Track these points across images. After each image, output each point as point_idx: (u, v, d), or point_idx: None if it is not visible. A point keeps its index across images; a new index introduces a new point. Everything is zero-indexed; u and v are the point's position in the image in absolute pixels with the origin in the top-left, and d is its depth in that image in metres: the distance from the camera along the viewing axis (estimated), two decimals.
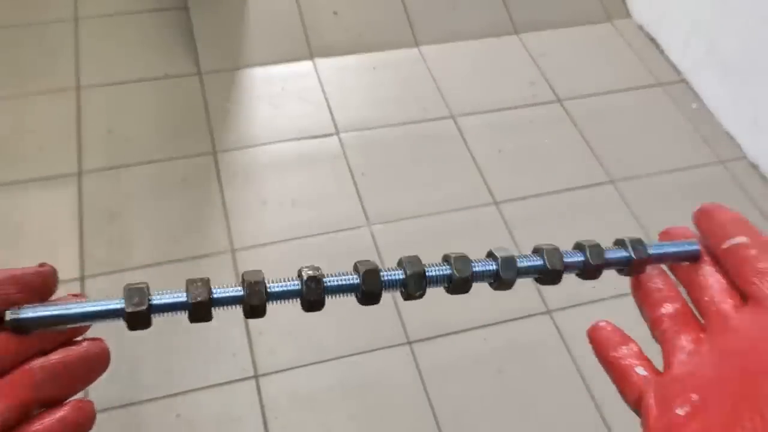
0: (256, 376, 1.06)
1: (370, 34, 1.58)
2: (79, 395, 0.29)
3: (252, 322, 1.11)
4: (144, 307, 0.28)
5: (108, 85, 1.43)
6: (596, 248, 0.34)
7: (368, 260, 0.31)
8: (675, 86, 1.57)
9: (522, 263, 0.32)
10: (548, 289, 1.19)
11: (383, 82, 1.50)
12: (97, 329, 0.29)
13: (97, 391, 1.03)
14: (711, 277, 0.32)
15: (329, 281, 0.32)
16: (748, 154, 1.44)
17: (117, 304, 0.28)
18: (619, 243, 0.36)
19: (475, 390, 1.08)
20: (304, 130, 1.39)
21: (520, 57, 1.59)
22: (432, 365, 1.10)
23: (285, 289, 0.32)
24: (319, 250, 1.21)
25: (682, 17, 1.58)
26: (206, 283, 0.30)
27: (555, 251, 0.33)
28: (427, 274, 0.30)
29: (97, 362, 0.29)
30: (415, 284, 0.30)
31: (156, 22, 1.55)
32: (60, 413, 0.27)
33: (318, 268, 0.32)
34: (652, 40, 1.65)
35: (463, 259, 0.31)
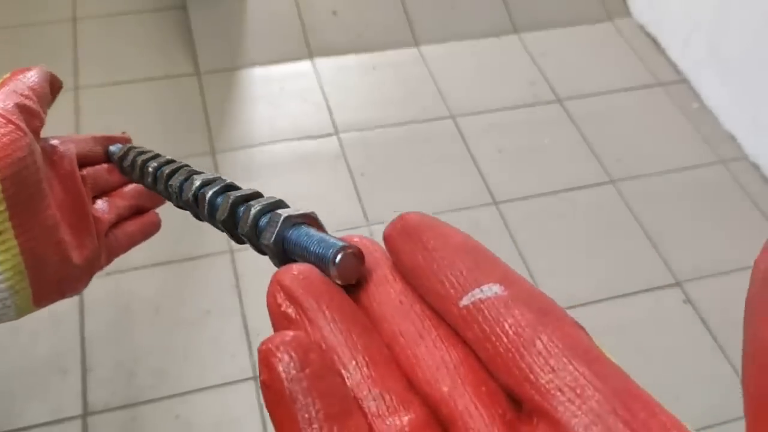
0: (255, 377, 1.06)
1: (370, 33, 1.58)
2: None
3: (251, 322, 1.11)
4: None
5: (106, 85, 1.43)
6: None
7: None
8: (675, 86, 1.56)
9: None
10: (548, 290, 1.18)
11: (383, 82, 1.50)
12: None
13: (97, 392, 1.03)
14: (455, 351, 0.17)
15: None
16: (748, 154, 1.44)
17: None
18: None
19: None
20: (304, 130, 1.39)
21: (520, 57, 1.59)
22: None
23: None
24: None
25: (683, 17, 1.58)
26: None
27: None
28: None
29: (157, 197, 0.47)
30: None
31: (154, 22, 1.54)
32: (145, 216, 0.48)
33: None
34: (653, 39, 1.65)
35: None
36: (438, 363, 0.17)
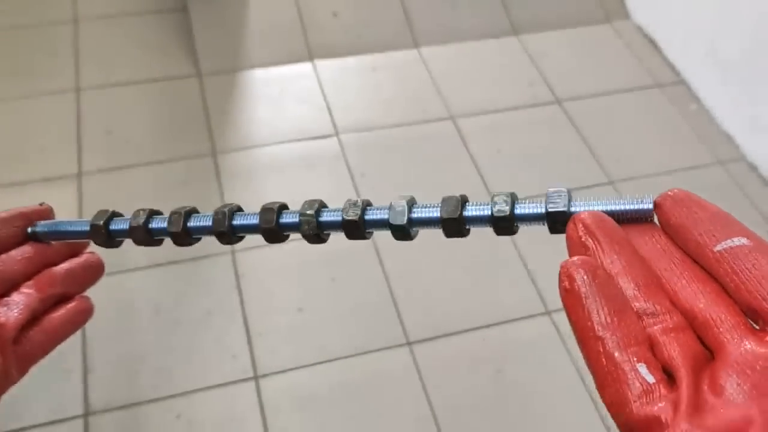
0: (256, 377, 1.07)
1: (370, 35, 1.59)
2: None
3: (252, 322, 1.12)
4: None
5: (108, 87, 1.43)
6: (502, 201, 0.31)
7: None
8: (674, 87, 1.57)
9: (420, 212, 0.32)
10: (548, 290, 1.19)
11: (383, 83, 1.51)
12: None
13: (98, 392, 1.04)
14: (707, 285, 0.24)
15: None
16: (747, 155, 1.44)
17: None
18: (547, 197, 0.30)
19: (475, 390, 1.08)
20: (304, 131, 1.40)
21: (519, 58, 1.59)
22: (431, 365, 1.10)
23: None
24: (319, 249, 1.21)
25: (681, 18, 1.59)
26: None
27: (455, 200, 0.32)
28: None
29: (96, 268, 0.39)
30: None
31: (155, 23, 1.55)
32: (71, 304, 0.37)
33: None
34: (651, 41, 1.65)
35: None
36: (695, 290, 0.24)
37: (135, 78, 1.45)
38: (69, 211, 1.22)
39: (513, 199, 0.30)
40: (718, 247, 0.24)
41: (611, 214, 0.27)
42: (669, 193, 0.26)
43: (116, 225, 0.35)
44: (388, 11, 1.63)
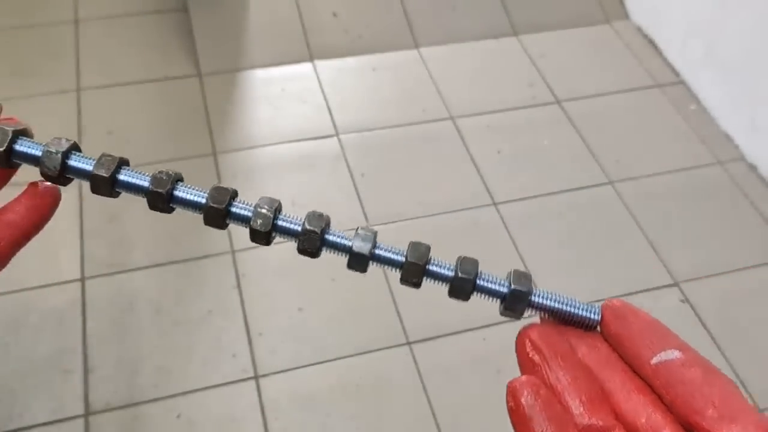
0: (256, 377, 1.07)
1: (370, 35, 1.59)
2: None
3: (252, 322, 1.12)
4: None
5: (108, 87, 1.43)
6: (469, 265, 0.30)
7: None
8: (673, 87, 1.57)
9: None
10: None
11: (383, 84, 1.51)
12: None
13: (98, 391, 1.04)
14: (647, 395, 0.25)
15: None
16: (746, 155, 1.45)
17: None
18: (507, 276, 0.30)
19: (475, 390, 1.09)
20: (304, 131, 1.40)
21: (519, 58, 1.60)
22: (431, 365, 1.10)
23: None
24: None
25: (680, 18, 1.59)
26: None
27: (421, 256, 0.30)
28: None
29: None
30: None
31: (156, 24, 1.55)
32: (29, 190, 0.33)
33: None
34: (651, 41, 1.66)
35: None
36: (637, 403, 0.25)
37: (135, 78, 1.45)
38: (70, 210, 1.22)
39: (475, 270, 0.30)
40: (654, 360, 0.25)
41: (561, 312, 0.29)
42: (609, 303, 0.28)
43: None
44: (388, 11, 1.63)
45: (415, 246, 0.30)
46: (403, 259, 0.30)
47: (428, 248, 0.30)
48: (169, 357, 1.08)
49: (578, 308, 0.28)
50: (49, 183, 0.33)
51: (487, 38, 1.62)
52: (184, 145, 1.35)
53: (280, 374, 1.07)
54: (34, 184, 0.33)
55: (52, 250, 1.18)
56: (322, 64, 1.52)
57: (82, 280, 1.14)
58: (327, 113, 1.43)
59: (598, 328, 0.28)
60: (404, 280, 0.30)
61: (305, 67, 1.51)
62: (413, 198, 1.30)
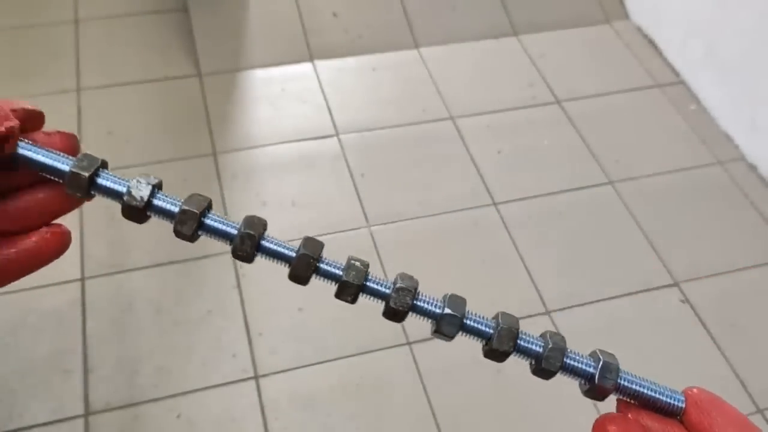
0: (256, 377, 1.07)
1: (370, 35, 1.59)
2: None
3: (252, 322, 1.12)
4: (87, 174, 0.31)
5: (108, 87, 1.43)
6: (558, 348, 0.31)
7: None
8: (673, 87, 1.57)
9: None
10: (547, 290, 1.19)
11: (383, 84, 1.51)
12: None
13: (98, 391, 1.04)
14: None
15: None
16: (746, 155, 1.45)
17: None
18: (594, 356, 0.31)
19: (475, 390, 1.09)
20: (304, 131, 1.40)
21: (519, 58, 1.60)
22: (432, 365, 1.10)
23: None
24: None
25: (680, 18, 1.59)
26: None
27: (512, 331, 0.33)
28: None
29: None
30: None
31: (156, 24, 1.55)
32: (48, 230, 0.32)
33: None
34: (651, 41, 1.66)
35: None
36: None
37: (135, 78, 1.45)
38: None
39: (552, 343, 0.32)
40: None
41: (644, 397, 0.29)
42: (692, 393, 0.29)
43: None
44: (388, 11, 1.63)
45: (505, 317, 0.32)
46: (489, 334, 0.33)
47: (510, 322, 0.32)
48: (169, 357, 1.08)
49: (662, 394, 0.29)
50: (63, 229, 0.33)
51: (487, 38, 1.62)
52: (184, 145, 1.35)
53: (280, 374, 1.07)
54: (59, 227, 0.33)
55: None
56: (322, 64, 1.52)
57: (82, 280, 1.14)
58: (327, 113, 1.44)
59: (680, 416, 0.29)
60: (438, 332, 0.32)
61: (305, 67, 1.51)
62: (413, 198, 1.30)
